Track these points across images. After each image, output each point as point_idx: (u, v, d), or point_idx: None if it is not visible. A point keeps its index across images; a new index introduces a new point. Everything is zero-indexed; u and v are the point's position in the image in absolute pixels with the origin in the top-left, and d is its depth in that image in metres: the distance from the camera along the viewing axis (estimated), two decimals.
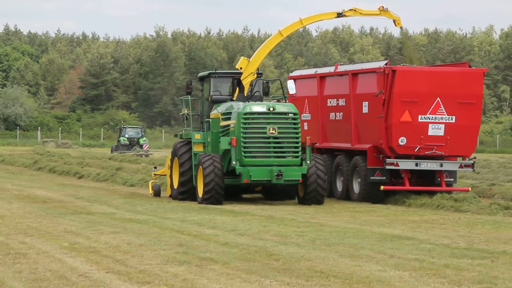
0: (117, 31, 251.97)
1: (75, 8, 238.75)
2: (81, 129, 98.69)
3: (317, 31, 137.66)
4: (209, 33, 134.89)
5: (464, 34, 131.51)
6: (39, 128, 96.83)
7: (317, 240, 15.62)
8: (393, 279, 11.64)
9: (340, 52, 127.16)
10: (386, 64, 24.51)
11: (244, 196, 26.26)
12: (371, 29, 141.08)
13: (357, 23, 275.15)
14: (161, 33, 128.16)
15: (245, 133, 23.40)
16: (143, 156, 58.13)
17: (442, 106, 24.24)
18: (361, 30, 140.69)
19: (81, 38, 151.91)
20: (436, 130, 24.24)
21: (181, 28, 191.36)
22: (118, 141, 68.29)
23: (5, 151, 62.24)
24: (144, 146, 65.55)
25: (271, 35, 29.48)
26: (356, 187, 25.28)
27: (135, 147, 65.89)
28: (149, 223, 18.30)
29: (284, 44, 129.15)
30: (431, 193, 24.47)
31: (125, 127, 70.16)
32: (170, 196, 25.70)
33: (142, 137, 67.90)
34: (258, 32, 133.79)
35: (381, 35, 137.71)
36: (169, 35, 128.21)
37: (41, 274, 11.77)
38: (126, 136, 67.70)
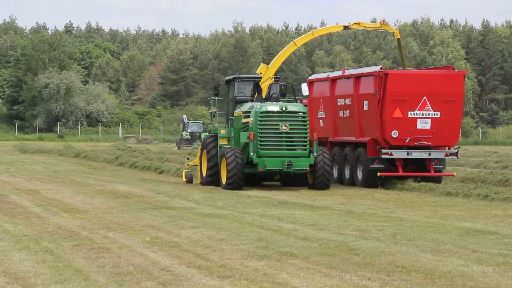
0: (196, 27, 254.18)
1: (155, 5, 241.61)
2: (161, 124, 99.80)
3: (395, 24, 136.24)
4: (287, 28, 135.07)
5: None
6: (120, 124, 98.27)
7: (398, 235, 15.50)
8: (476, 274, 11.47)
9: (420, 45, 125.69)
10: (380, 68, 28.06)
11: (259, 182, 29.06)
12: (451, 21, 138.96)
13: (436, 15, 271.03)
14: (239, 28, 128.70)
15: (261, 129, 26.92)
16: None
17: (428, 103, 27.73)
18: (441, 23, 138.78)
19: (161, 34, 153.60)
20: (423, 124, 27.81)
21: (259, 23, 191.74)
22: (181, 135, 69.27)
23: (87, 147, 63.34)
24: None
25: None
26: (359, 174, 28.90)
27: (196, 141, 66.77)
28: (229, 218, 18.40)
29: (362, 38, 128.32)
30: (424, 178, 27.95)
31: (188, 122, 71.30)
32: (200, 183, 28.91)
33: (204, 131, 68.94)
34: None
35: (461, 27, 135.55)
36: (247, 31, 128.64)
37: (124, 268, 11.93)
38: (189, 130, 68.94)
